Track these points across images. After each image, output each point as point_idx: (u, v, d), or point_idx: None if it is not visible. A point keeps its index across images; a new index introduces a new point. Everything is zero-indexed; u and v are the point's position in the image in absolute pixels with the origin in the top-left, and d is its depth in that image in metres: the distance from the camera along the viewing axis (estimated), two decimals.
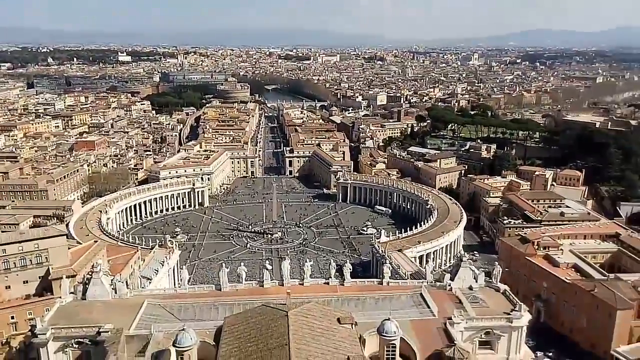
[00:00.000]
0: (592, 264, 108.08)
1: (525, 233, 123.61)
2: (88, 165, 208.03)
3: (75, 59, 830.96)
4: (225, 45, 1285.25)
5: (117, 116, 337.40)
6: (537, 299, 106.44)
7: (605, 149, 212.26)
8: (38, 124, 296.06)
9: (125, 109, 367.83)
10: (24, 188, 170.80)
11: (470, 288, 75.50)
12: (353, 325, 58.20)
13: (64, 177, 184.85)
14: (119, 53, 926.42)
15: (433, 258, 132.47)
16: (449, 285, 75.96)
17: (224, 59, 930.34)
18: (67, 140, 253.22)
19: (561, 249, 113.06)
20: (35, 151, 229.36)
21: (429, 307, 69.60)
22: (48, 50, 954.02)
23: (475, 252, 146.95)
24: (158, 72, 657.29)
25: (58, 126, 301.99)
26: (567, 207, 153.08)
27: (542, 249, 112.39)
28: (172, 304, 71.31)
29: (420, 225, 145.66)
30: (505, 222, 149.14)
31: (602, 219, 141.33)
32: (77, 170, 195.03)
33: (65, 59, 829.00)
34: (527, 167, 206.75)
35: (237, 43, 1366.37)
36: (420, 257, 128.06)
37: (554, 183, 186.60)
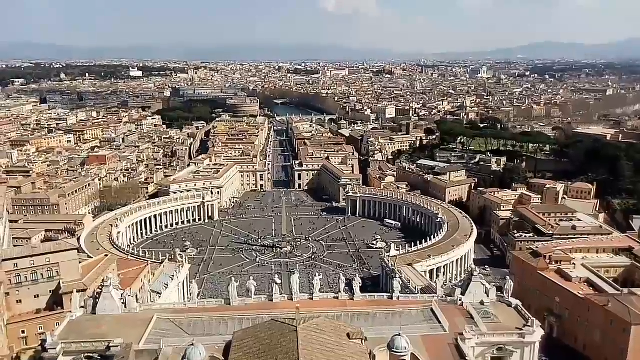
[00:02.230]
0: (605, 279, 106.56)
1: (536, 247, 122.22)
2: (99, 180, 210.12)
3: (87, 75, 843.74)
4: (235, 60, 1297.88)
5: (129, 131, 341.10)
6: (550, 314, 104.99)
7: (616, 161, 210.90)
8: (50, 138, 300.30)
9: (136, 123, 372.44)
10: (36, 202, 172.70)
11: (482, 303, 74.69)
12: (363, 341, 57.73)
13: (76, 191, 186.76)
14: (130, 68, 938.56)
15: (443, 272, 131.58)
16: (460, 300, 75.21)
17: (234, 74, 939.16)
18: (79, 155, 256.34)
19: (573, 263, 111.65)
20: (48, 166, 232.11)
21: (440, 322, 68.88)
22: (61, 66, 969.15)
23: (486, 266, 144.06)
24: (169, 87, 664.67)
25: (70, 141, 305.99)
26: (579, 220, 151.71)
27: (554, 263, 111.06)
28: (182, 318, 71.26)
29: (431, 239, 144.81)
30: (516, 235, 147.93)
31: (615, 233, 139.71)
32: (89, 185, 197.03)
33: (77, 75, 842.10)
34: (538, 180, 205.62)
35: (247, 58, 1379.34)
36: (431, 272, 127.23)
37: (565, 196, 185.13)
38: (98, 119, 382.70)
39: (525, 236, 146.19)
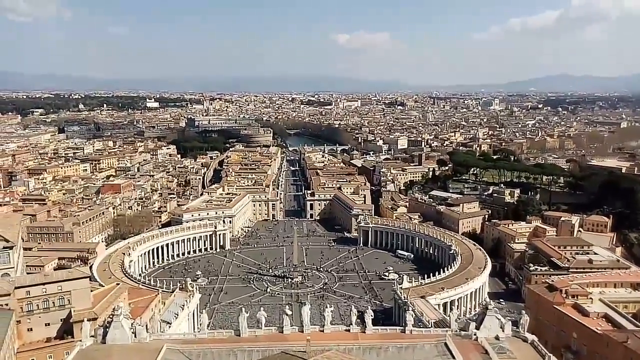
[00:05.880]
0: (623, 314, 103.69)
1: (552, 280, 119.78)
2: (113, 208, 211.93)
3: (105, 105, 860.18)
4: (250, 91, 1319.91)
5: (144, 160, 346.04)
6: (567, 351, 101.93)
7: (633, 194, 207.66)
8: (67, 167, 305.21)
9: (151, 153, 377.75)
10: (50, 230, 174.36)
11: (497, 338, 73.08)
12: None
13: (90, 219, 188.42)
14: (147, 99, 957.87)
15: (457, 305, 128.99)
16: (475, 334, 73.65)
17: (248, 105, 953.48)
18: (95, 184, 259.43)
19: (591, 298, 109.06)
20: (63, 194, 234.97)
21: (453, 357, 67.39)
22: (79, 97, 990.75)
23: (501, 300, 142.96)
24: (184, 117, 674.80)
25: (86, 170, 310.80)
26: (595, 254, 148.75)
27: (570, 297, 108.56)
28: (191, 349, 70.60)
29: (444, 271, 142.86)
30: (531, 269, 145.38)
31: (633, 267, 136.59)
32: (103, 213, 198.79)
33: (95, 105, 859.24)
34: (553, 212, 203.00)
35: (261, 90, 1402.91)
36: (444, 305, 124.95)
37: (580, 229, 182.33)
38: (114, 149, 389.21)
39: (541, 269, 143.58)
